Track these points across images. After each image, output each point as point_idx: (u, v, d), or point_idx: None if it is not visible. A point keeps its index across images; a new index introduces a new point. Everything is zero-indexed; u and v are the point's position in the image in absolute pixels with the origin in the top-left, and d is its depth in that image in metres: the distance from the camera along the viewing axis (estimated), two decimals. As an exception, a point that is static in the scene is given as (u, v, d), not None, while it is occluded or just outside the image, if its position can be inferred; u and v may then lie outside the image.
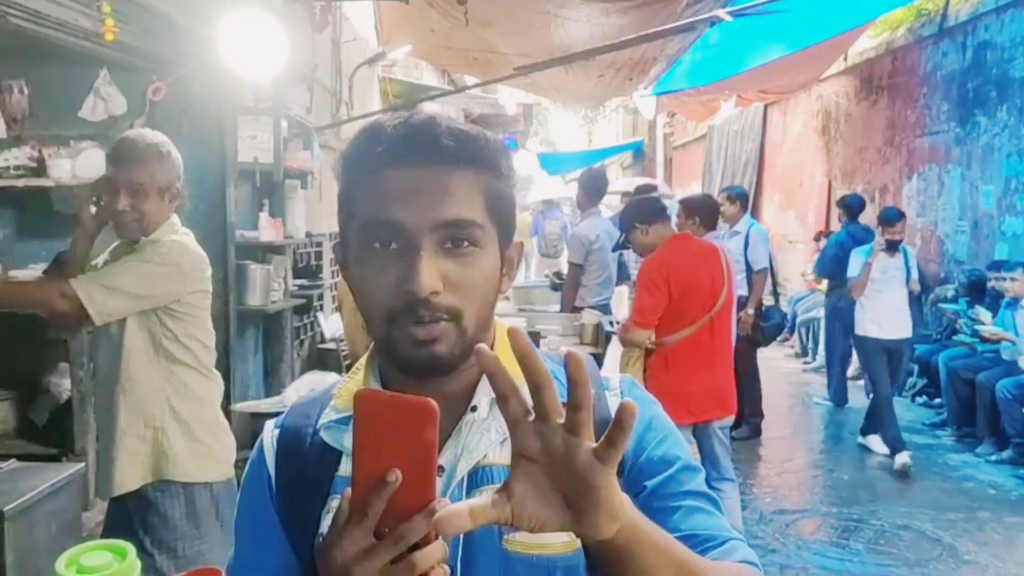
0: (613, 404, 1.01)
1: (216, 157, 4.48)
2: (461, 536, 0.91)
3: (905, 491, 5.65)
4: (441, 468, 0.93)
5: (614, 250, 5.43)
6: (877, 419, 6.41)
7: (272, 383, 5.41)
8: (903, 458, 5.95)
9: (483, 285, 0.93)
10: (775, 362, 9.81)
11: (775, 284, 7.46)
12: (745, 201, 7.26)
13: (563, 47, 6.61)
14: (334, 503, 0.93)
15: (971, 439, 6.66)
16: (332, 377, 5.02)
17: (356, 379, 1.02)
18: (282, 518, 1.00)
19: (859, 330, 6.39)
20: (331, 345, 6.28)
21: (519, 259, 1.02)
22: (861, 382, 8.80)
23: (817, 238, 10.36)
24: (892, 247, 6.22)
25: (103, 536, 2.61)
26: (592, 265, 5.93)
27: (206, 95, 4.40)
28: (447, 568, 0.77)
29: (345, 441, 0.96)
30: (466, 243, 0.90)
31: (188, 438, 2.59)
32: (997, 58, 7.59)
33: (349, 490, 0.76)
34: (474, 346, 0.91)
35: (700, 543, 0.94)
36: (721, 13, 4.96)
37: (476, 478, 0.94)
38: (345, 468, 0.96)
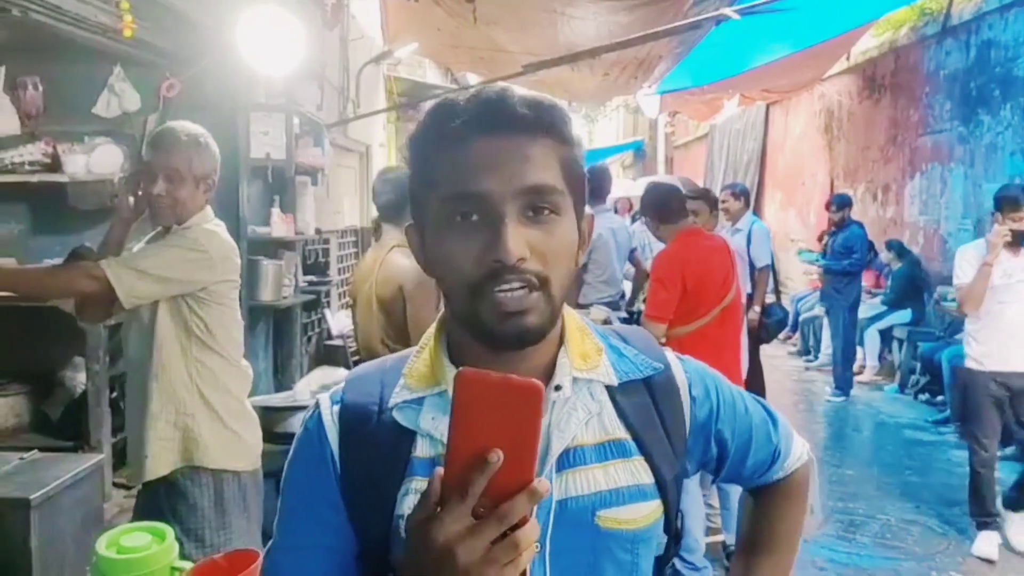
0: (679, 379, 1.09)
1: (229, 153, 4.46)
2: (552, 512, 0.93)
3: (910, 487, 5.69)
4: None
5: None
6: (973, 493, 4.72)
7: (282, 378, 5.44)
8: (987, 544, 4.52)
9: (565, 253, 0.93)
10: (777, 360, 9.85)
11: (776, 282, 7.49)
12: (748, 198, 7.30)
13: (569, 45, 6.64)
14: (413, 484, 0.93)
15: (975, 436, 6.69)
16: (342, 372, 5.05)
17: (423, 358, 1.01)
18: (347, 497, 0.97)
19: (969, 362, 4.76)
20: (338, 341, 6.31)
21: (591, 231, 1.02)
22: (860, 377, 8.88)
23: (820, 238, 10.40)
24: (1021, 239, 4.55)
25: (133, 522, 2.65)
26: (594, 264, 5.96)
27: (219, 91, 4.43)
28: (538, 547, 0.79)
29: (421, 422, 0.96)
30: (547, 210, 0.90)
31: (217, 426, 2.62)
32: (1001, 57, 7.62)
33: (441, 469, 0.75)
34: (558, 317, 0.96)
35: (773, 460, 1.19)
36: (728, 11, 5.00)
37: (566, 459, 0.95)
38: (422, 449, 0.95)
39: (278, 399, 4.45)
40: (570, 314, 1.04)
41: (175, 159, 2.56)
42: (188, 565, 1.69)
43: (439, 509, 0.74)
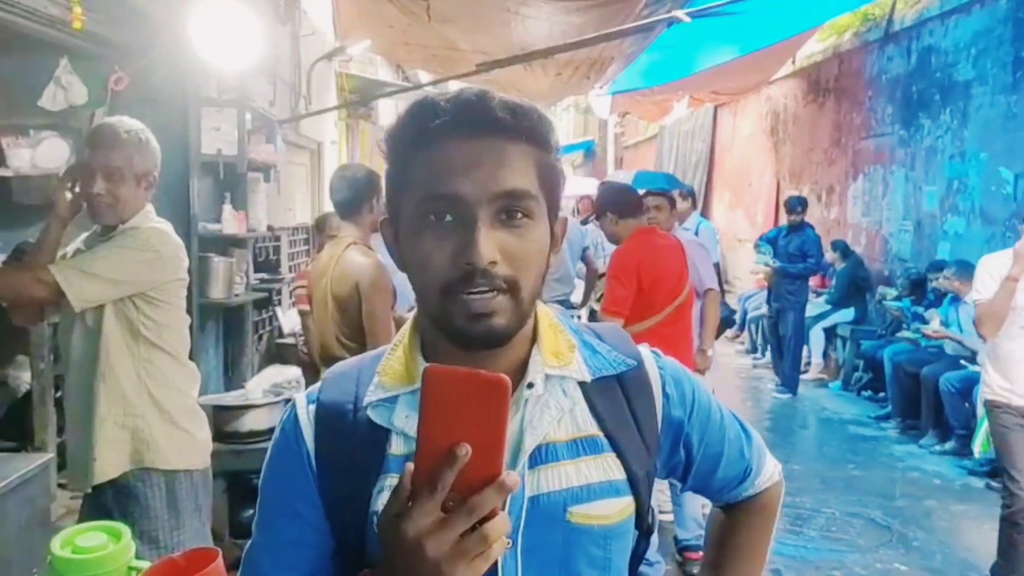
0: (653, 374, 1.09)
1: (179, 148, 4.43)
2: (524, 509, 0.95)
3: (854, 481, 5.83)
4: None
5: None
6: (1006, 549, 3.79)
7: (233, 377, 5.37)
8: None
9: (536, 257, 0.94)
10: (726, 358, 10.01)
11: (721, 281, 7.63)
12: (695, 199, 7.46)
13: (523, 45, 6.66)
14: (388, 481, 0.95)
15: (915, 431, 6.90)
16: (293, 371, 5.01)
17: (397, 356, 1.02)
18: (324, 495, 0.98)
19: (986, 390, 3.91)
20: (290, 340, 6.25)
21: (563, 234, 1.03)
22: (806, 375, 9.06)
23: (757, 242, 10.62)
24: None
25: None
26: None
27: (169, 85, 4.35)
28: (510, 541, 0.80)
29: (394, 420, 0.97)
30: (520, 215, 0.92)
31: (168, 425, 2.59)
32: (941, 62, 7.84)
33: (411, 464, 0.77)
34: (527, 319, 0.97)
35: (744, 476, 1.20)
36: (680, 14, 5.06)
37: (538, 456, 0.97)
38: (397, 447, 0.97)
39: (229, 398, 4.40)
40: (544, 311, 1.05)
41: (115, 157, 2.50)
42: (146, 564, 1.66)
43: (410, 504, 0.76)
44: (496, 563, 0.88)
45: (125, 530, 1.69)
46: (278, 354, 6.20)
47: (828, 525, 4.98)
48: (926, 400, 6.71)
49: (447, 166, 0.90)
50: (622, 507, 1.00)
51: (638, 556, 1.10)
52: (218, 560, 1.62)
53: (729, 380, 8.98)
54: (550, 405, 0.98)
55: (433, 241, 0.91)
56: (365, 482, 0.96)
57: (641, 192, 4.57)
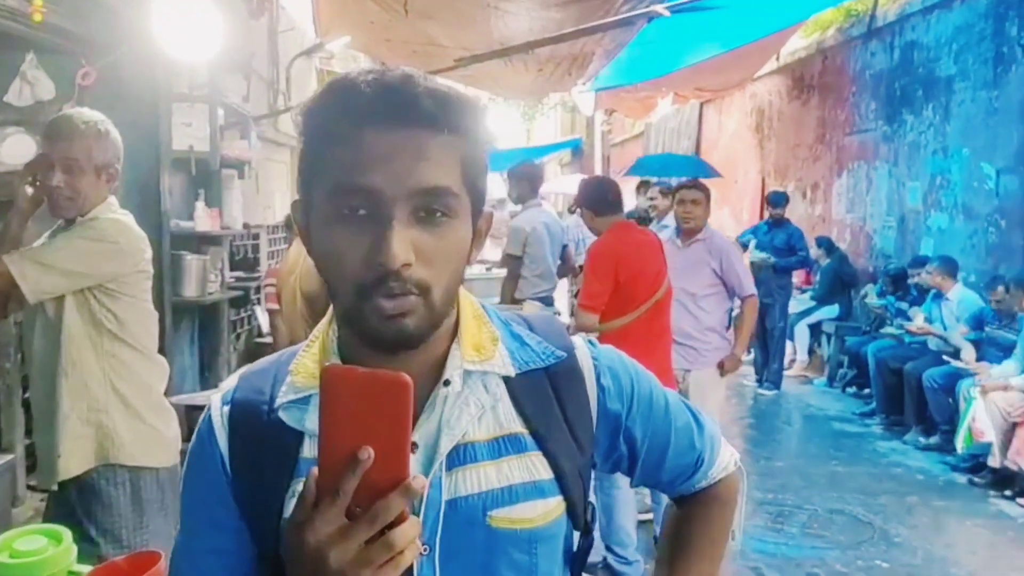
0: (585, 364, 1.04)
1: (150, 144, 4.37)
2: (442, 513, 0.90)
3: (837, 477, 5.80)
4: (415, 445, 0.89)
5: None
6: None
7: (208, 376, 5.31)
8: None
9: (454, 257, 0.89)
10: (711, 355, 9.96)
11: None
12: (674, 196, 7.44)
13: (503, 40, 6.62)
14: (299, 486, 0.88)
15: (899, 427, 6.88)
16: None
17: (311, 353, 0.97)
18: (239, 500, 0.94)
19: None
20: (268, 339, 6.19)
21: (488, 229, 0.97)
22: (790, 371, 9.04)
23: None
24: None
25: (47, 520, 2.55)
26: (529, 258, 5.94)
27: (139, 80, 4.29)
28: (421, 545, 0.76)
29: (307, 422, 0.92)
30: (440, 213, 0.86)
31: (134, 420, 2.52)
32: (923, 58, 7.83)
33: (315, 469, 0.74)
34: (442, 319, 0.92)
35: (695, 466, 1.14)
36: (659, 8, 5.03)
37: (457, 456, 0.91)
38: (309, 450, 0.92)
39: (203, 397, 4.33)
40: (467, 302, 1.00)
41: (74, 149, 2.43)
42: (87, 568, 1.61)
43: (313, 511, 0.73)
44: (411, 570, 0.84)
45: (66, 533, 1.63)
46: (257, 353, 6.13)
47: (810, 522, 4.95)
48: (910, 396, 6.69)
49: (363, 157, 0.83)
50: (549, 508, 0.95)
51: (581, 553, 1.05)
52: (160, 563, 1.57)
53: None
54: (469, 403, 0.93)
55: (346, 237, 0.85)
56: (278, 487, 0.92)
57: (675, 184, 4.51)
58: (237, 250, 6.05)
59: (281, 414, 0.93)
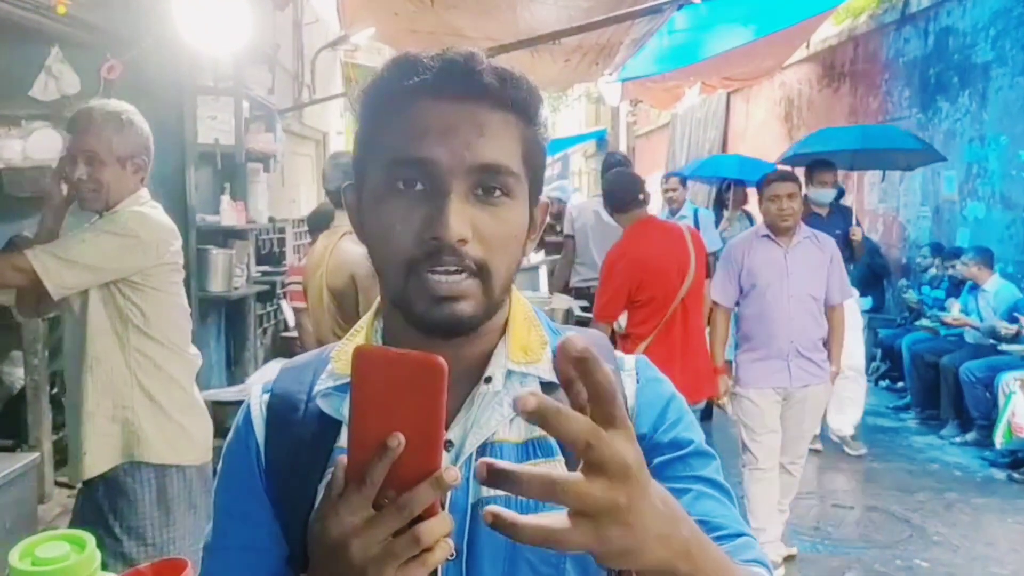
0: (628, 386, 0.95)
1: (175, 138, 4.33)
2: (468, 515, 0.84)
3: (872, 474, 5.68)
4: (450, 443, 0.85)
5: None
6: None
7: (236, 372, 5.28)
8: None
9: (511, 241, 0.85)
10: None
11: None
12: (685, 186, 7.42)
13: (529, 30, 6.54)
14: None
15: (935, 421, 6.74)
16: (297, 365, 4.93)
17: (355, 341, 0.93)
18: (272, 492, 0.91)
19: None
20: (294, 333, 6.16)
21: (543, 221, 0.93)
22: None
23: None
24: None
25: (72, 523, 2.55)
26: (576, 244, 5.92)
27: (164, 74, 4.25)
28: (452, 544, 0.69)
29: (344, 410, 0.87)
30: (498, 192, 0.82)
31: (160, 418, 2.49)
32: (959, 44, 7.66)
33: (344, 457, 0.69)
34: (497, 308, 0.86)
35: (709, 531, 0.84)
36: (691, -5, 4.94)
37: (484, 455, 0.86)
38: (345, 439, 0.86)
39: (230, 393, 4.32)
40: (520, 302, 0.94)
41: (92, 140, 2.42)
42: None
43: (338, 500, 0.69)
44: (436, 574, 0.79)
45: (89, 539, 1.58)
46: (283, 348, 6.11)
47: (846, 520, 4.84)
48: (946, 390, 6.54)
49: (421, 128, 0.80)
50: None
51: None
52: (187, 571, 1.52)
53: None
54: (503, 403, 0.87)
55: (399, 211, 0.81)
56: (312, 477, 0.88)
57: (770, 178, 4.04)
58: (263, 244, 6.02)
59: (319, 401, 0.90)
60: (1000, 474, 5.61)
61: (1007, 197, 6.96)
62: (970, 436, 6.20)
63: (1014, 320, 6.14)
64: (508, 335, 0.91)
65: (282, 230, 6.42)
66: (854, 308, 5.56)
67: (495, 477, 0.60)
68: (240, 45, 4.22)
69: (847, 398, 5.81)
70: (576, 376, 0.60)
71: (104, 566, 1.59)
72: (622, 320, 3.98)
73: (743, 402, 4.04)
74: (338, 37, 7.61)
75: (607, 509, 0.59)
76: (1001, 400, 5.64)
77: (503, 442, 0.87)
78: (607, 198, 4.15)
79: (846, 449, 5.98)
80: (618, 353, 1.00)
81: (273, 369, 3.51)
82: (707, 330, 4.23)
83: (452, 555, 0.71)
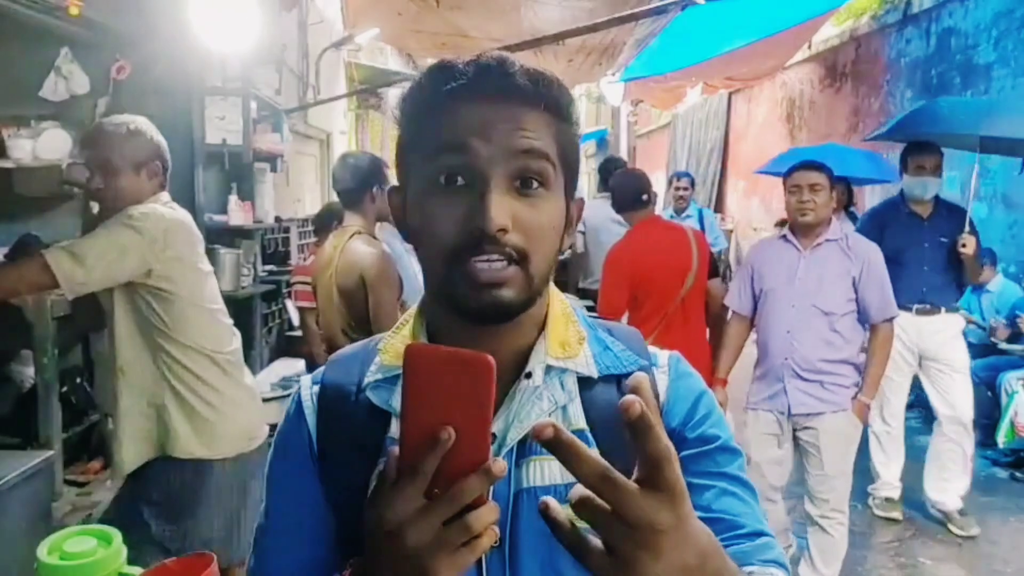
0: (661, 382, 0.98)
1: (183, 138, 4.36)
2: (510, 505, 0.88)
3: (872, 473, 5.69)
4: (492, 436, 0.88)
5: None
6: None
7: (242, 370, 5.30)
8: None
9: (550, 232, 0.88)
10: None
11: (729, 268, 7.52)
12: (693, 185, 7.46)
13: (533, 31, 6.57)
14: (383, 466, 0.89)
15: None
16: (302, 364, 4.93)
17: (402, 334, 0.98)
18: (324, 479, 0.95)
19: None
20: (299, 332, 6.18)
21: (579, 217, 0.97)
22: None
23: (780, 224, 10.46)
24: None
25: (108, 511, 2.71)
26: (588, 246, 5.95)
27: (172, 74, 4.29)
28: (498, 532, 0.73)
29: (393, 401, 0.92)
30: (536, 182, 0.86)
31: (190, 415, 2.59)
32: (961, 44, 7.67)
33: (396, 449, 0.72)
34: (537, 296, 0.89)
35: (728, 528, 0.91)
36: (695, -4, 4.96)
37: (525, 448, 0.90)
38: (395, 429, 0.92)
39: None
40: (557, 298, 0.98)
41: (104, 151, 2.53)
42: (137, 571, 1.58)
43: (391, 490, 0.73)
44: (480, 563, 0.84)
45: (116, 535, 1.60)
46: (288, 347, 6.14)
47: (855, 519, 4.85)
48: (948, 389, 6.54)
49: (462, 126, 0.85)
50: None
51: None
52: (212, 566, 1.54)
53: (747, 369, 8.84)
54: (543, 398, 0.91)
55: (441, 206, 0.86)
56: (363, 467, 0.92)
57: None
58: (268, 244, 6.04)
59: (368, 393, 0.95)
60: (1002, 473, 5.64)
61: (1009, 197, 6.98)
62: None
63: (1013, 321, 6.16)
64: (547, 331, 0.94)
65: (287, 230, 6.45)
66: (958, 342, 4.79)
67: (555, 444, 0.63)
68: (249, 45, 4.24)
69: (948, 461, 4.76)
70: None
71: (135, 559, 1.62)
72: (624, 320, 4.00)
73: (745, 422, 3.81)
74: (342, 37, 7.64)
75: (641, 533, 0.63)
76: (1004, 400, 5.67)
77: None
78: (613, 196, 4.19)
79: (952, 528, 4.62)
80: (652, 349, 1.03)
81: (279, 368, 3.60)
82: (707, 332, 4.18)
83: (498, 542, 0.74)
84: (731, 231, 12.96)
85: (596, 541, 0.64)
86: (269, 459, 1.02)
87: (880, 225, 4.72)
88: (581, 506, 0.64)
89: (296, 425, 0.99)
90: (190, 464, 2.60)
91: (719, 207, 13.98)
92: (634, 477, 0.64)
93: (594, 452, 0.64)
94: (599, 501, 0.63)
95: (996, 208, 7.16)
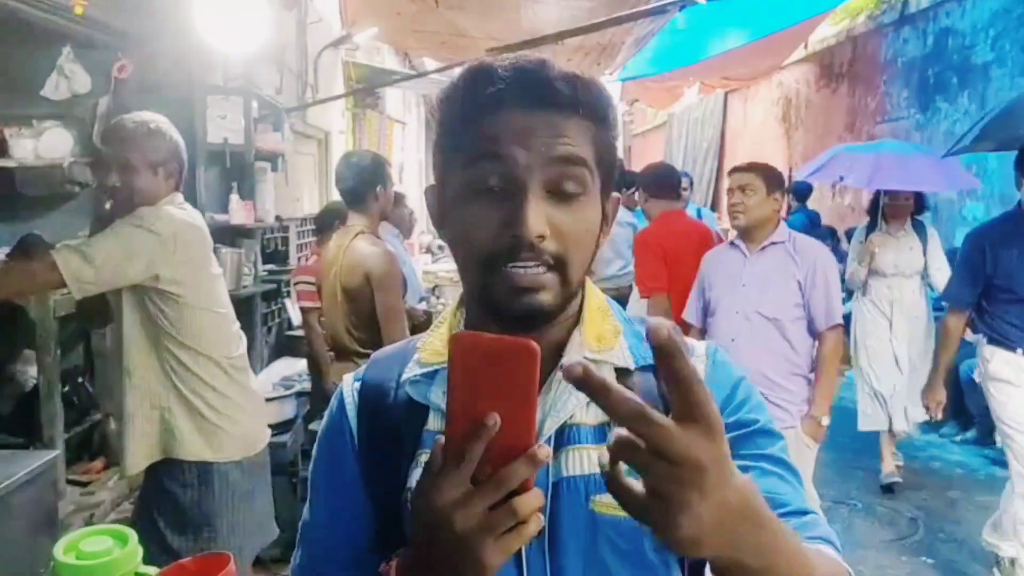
0: (698, 370, 0.97)
1: (185, 137, 4.23)
2: (549, 494, 0.88)
3: (875, 472, 5.71)
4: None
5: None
6: None
7: (242, 370, 5.29)
8: None
9: (585, 236, 0.89)
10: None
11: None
12: (691, 185, 7.51)
13: (532, 30, 6.56)
14: (423, 457, 0.91)
15: (935, 420, 6.76)
16: (303, 364, 4.93)
17: (439, 333, 1.00)
18: (365, 473, 0.98)
19: None
20: (299, 332, 6.17)
21: (615, 214, 0.98)
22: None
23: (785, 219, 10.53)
24: None
25: (132, 515, 2.73)
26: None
27: (174, 73, 4.29)
28: (543, 519, 0.73)
29: (431, 396, 0.94)
30: (573, 188, 0.87)
31: (195, 418, 2.59)
32: (958, 44, 7.70)
33: (442, 437, 0.73)
34: (572, 299, 0.92)
35: (773, 507, 0.84)
36: (694, -4, 4.96)
37: (563, 438, 0.91)
38: (433, 423, 0.94)
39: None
40: (593, 293, 0.99)
41: (124, 149, 2.52)
42: (153, 570, 1.58)
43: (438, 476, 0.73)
44: (520, 551, 0.84)
45: (132, 535, 1.60)
46: (288, 346, 6.12)
47: (850, 518, 4.89)
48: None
49: (500, 132, 0.85)
50: None
51: (696, 562, 0.97)
52: (230, 566, 1.54)
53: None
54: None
55: (479, 211, 0.87)
56: (402, 459, 0.95)
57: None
58: (268, 243, 6.03)
59: (408, 388, 0.97)
60: (1002, 472, 5.63)
61: (1006, 197, 7.00)
62: (970, 434, 6.24)
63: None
64: (583, 324, 0.95)
65: (287, 229, 6.44)
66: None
67: (585, 383, 0.62)
68: (251, 45, 4.24)
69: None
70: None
71: (149, 560, 1.62)
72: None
73: None
74: (340, 36, 7.63)
75: (685, 470, 0.60)
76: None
77: (580, 424, 0.91)
78: (648, 181, 4.27)
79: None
80: (690, 340, 1.02)
81: (280, 368, 3.62)
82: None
83: (542, 525, 0.74)
84: (728, 231, 12.96)
85: (638, 485, 0.63)
86: (313, 456, 1.05)
87: (992, 246, 3.77)
88: (621, 447, 0.62)
89: (338, 422, 1.02)
90: (199, 467, 2.60)
91: (715, 207, 14.00)
92: (671, 416, 0.62)
93: (628, 392, 0.62)
94: (639, 441, 0.61)
95: (992, 209, 7.18)
